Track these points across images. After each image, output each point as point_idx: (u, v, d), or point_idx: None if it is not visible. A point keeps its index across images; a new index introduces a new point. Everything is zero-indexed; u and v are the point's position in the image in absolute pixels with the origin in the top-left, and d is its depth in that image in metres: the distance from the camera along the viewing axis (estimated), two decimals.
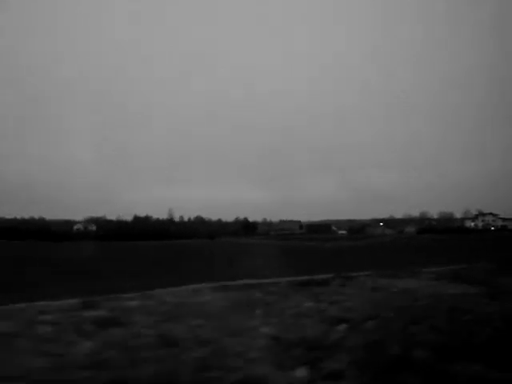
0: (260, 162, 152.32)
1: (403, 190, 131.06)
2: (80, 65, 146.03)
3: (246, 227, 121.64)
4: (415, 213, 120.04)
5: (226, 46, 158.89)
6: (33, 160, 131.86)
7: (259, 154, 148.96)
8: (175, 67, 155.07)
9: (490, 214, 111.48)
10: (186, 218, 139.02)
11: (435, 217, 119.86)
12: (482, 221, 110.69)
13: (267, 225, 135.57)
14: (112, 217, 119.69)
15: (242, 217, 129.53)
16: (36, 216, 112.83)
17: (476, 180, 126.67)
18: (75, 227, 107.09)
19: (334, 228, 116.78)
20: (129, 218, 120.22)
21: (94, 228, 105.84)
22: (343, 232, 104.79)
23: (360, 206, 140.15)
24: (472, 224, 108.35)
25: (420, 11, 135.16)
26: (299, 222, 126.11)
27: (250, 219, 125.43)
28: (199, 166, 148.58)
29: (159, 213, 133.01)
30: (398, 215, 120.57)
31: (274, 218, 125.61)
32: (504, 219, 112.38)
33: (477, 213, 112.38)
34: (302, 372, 3.21)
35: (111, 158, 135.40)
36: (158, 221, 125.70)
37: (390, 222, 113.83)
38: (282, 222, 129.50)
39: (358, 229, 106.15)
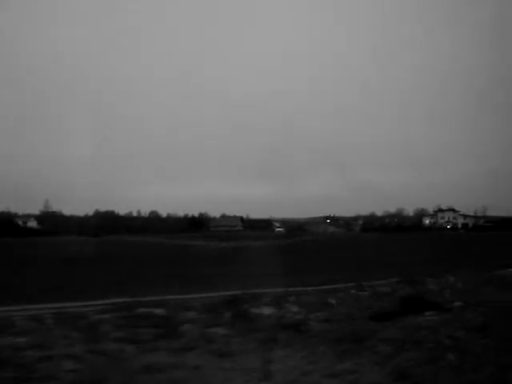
0: (254, 159, 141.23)
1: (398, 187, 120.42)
2: (80, 64, 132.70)
3: (192, 223, 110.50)
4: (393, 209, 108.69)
5: (225, 46, 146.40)
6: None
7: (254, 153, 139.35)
8: (174, 66, 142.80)
9: (451, 210, 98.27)
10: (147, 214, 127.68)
11: (411, 214, 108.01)
12: (442, 218, 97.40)
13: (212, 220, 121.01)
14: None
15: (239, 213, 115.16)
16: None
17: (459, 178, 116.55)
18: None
19: (276, 224, 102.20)
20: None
21: (34, 224, 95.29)
22: (280, 229, 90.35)
23: (339, 202, 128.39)
24: (427, 221, 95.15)
25: (420, 10, 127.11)
26: (241, 217, 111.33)
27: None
28: (197, 165, 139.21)
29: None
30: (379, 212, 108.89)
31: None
32: (466, 216, 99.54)
33: (436, 209, 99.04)
34: None
35: (109, 156, 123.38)
36: (121, 217, 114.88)
37: (340, 220, 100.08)
38: (222, 217, 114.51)
39: (297, 226, 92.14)
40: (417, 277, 13.98)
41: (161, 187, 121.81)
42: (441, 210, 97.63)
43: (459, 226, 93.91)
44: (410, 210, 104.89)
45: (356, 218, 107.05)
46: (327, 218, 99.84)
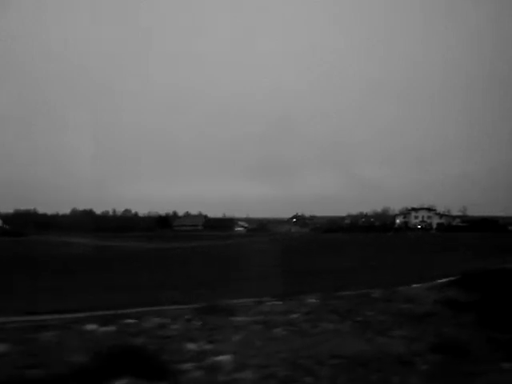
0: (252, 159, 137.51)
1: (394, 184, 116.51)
2: (79, 64, 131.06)
3: (159, 222, 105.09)
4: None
5: (225, 46, 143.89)
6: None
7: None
8: (173, 66, 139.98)
9: (426, 209, 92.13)
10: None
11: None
12: (415, 217, 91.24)
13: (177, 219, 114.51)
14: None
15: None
16: None
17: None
18: None
19: (241, 223, 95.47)
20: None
21: None
22: (240, 229, 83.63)
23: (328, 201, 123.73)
24: (398, 221, 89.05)
25: (420, 7, 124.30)
26: (204, 216, 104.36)
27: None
28: (194, 163, 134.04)
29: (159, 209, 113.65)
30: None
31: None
32: (442, 215, 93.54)
33: (409, 208, 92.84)
34: None
35: (106, 155, 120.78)
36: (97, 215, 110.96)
37: (307, 219, 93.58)
38: (186, 216, 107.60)
39: (259, 226, 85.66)
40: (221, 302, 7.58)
41: (153, 186, 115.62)
42: (414, 209, 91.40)
43: (434, 225, 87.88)
44: (396, 210, 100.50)
45: (344, 218, 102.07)
46: (294, 217, 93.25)
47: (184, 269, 20.00)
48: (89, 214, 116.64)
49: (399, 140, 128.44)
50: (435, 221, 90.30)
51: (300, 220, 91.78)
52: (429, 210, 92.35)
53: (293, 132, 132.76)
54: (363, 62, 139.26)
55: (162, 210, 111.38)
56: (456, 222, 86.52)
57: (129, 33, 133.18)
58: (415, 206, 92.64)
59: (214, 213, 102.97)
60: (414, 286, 11.91)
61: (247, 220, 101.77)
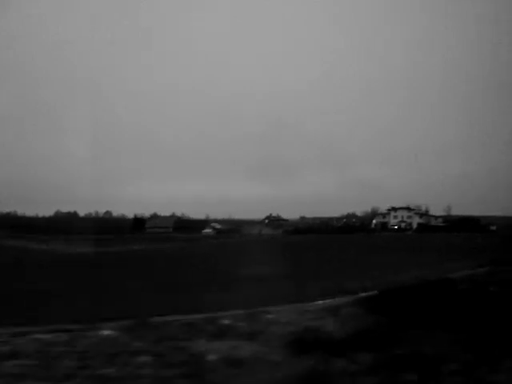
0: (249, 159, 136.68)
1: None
2: (79, 64, 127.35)
3: (134, 224, 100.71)
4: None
5: (224, 45, 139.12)
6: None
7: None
8: (173, 66, 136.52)
9: (406, 208, 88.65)
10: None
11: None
12: (394, 217, 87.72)
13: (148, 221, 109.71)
14: None
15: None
16: None
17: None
18: None
19: (213, 224, 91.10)
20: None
21: None
22: (209, 230, 79.30)
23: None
24: (374, 221, 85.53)
25: (420, 7, 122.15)
26: (177, 217, 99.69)
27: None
28: (193, 162, 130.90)
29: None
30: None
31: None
32: (423, 215, 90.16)
33: (389, 207, 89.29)
34: None
35: (105, 156, 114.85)
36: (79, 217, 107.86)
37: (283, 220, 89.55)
38: (157, 218, 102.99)
39: (232, 227, 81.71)
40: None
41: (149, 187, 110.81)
42: (394, 209, 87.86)
43: (415, 225, 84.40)
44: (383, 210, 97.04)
45: (335, 219, 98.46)
46: (267, 218, 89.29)
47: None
48: (72, 216, 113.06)
49: (399, 140, 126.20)
50: (416, 221, 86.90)
51: (274, 221, 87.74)
52: (409, 209, 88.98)
53: (291, 132, 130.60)
54: (363, 61, 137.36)
55: (151, 211, 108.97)
56: (436, 222, 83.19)
57: (129, 33, 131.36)
58: (403, 205, 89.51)
59: (197, 214, 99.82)
60: (299, 304, 9.31)
61: (227, 221, 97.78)
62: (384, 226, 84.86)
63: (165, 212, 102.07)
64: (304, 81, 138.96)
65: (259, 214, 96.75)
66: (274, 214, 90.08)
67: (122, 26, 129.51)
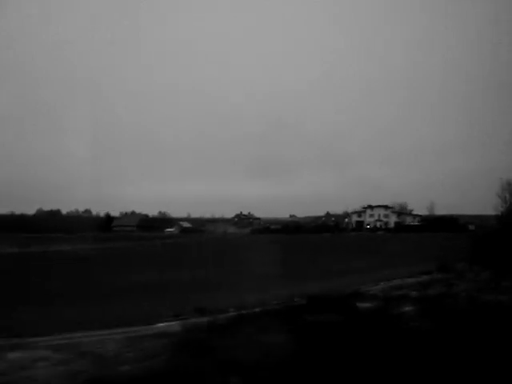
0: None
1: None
2: (79, 64, 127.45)
3: (104, 222, 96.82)
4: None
5: (224, 45, 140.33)
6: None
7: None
8: (173, 66, 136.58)
9: (383, 207, 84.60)
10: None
11: None
12: (370, 215, 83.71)
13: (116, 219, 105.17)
14: None
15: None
16: None
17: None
18: None
19: (180, 223, 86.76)
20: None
21: None
22: (172, 230, 75.03)
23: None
24: (346, 220, 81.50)
25: (420, 7, 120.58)
26: (142, 216, 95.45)
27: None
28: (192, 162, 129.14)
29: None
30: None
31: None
32: (401, 214, 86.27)
33: (365, 206, 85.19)
34: None
35: (104, 155, 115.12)
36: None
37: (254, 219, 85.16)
38: (124, 216, 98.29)
39: (195, 227, 77.53)
40: None
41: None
42: (370, 207, 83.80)
43: (391, 224, 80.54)
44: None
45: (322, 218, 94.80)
46: (237, 216, 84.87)
47: None
48: (55, 215, 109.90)
49: (399, 140, 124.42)
50: (393, 219, 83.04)
51: (243, 220, 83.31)
52: (386, 207, 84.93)
53: (291, 132, 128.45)
54: (363, 61, 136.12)
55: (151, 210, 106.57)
56: (412, 222, 79.48)
57: (128, 32, 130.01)
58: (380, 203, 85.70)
59: (197, 213, 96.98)
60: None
61: (197, 220, 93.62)
62: (360, 225, 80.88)
63: (154, 211, 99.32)
64: (304, 81, 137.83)
65: (259, 214, 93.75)
66: (244, 212, 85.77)
67: (122, 25, 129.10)
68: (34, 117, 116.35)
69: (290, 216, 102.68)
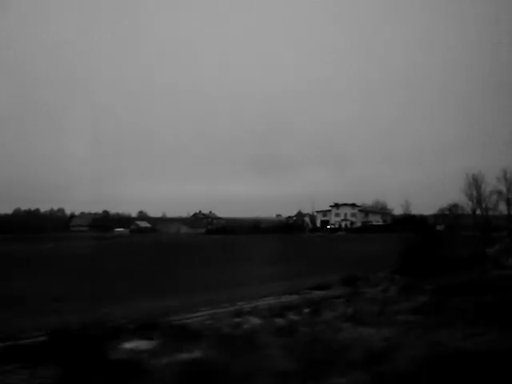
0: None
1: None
2: (79, 64, 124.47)
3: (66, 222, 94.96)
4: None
5: (223, 45, 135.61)
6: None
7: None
8: (173, 66, 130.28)
9: (350, 205, 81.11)
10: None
11: None
12: (337, 215, 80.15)
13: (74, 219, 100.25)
14: None
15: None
16: None
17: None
18: None
19: (137, 222, 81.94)
20: None
21: None
22: (121, 230, 70.40)
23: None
24: (305, 220, 77.78)
25: (420, 7, 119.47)
26: (97, 215, 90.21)
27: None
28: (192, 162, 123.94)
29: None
30: None
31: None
32: (369, 213, 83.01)
33: (332, 204, 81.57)
34: None
35: (103, 154, 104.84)
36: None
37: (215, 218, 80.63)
38: (81, 216, 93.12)
39: (146, 227, 72.86)
40: None
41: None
42: (336, 205, 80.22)
43: (359, 224, 77.14)
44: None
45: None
46: (194, 214, 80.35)
47: None
48: (31, 214, 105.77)
49: (399, 140, 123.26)
50: (360, 219, 79.69)
51: (201, 219, 78.79)
52: (353, 205, 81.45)
53: (291, 132, 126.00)
54: (363, 61, 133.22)
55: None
56: (375, 221, 76.35)
57: (128, 32, 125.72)
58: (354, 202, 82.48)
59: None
60: None
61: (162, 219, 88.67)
62: (325, 224, 77.22)
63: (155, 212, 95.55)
64: (304, 81, 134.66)
65: (258, 213, 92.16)
66: (203, 211, 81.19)
67: (122, 25, 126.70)
68: (34, 117, 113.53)
69: (277, 216, 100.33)
